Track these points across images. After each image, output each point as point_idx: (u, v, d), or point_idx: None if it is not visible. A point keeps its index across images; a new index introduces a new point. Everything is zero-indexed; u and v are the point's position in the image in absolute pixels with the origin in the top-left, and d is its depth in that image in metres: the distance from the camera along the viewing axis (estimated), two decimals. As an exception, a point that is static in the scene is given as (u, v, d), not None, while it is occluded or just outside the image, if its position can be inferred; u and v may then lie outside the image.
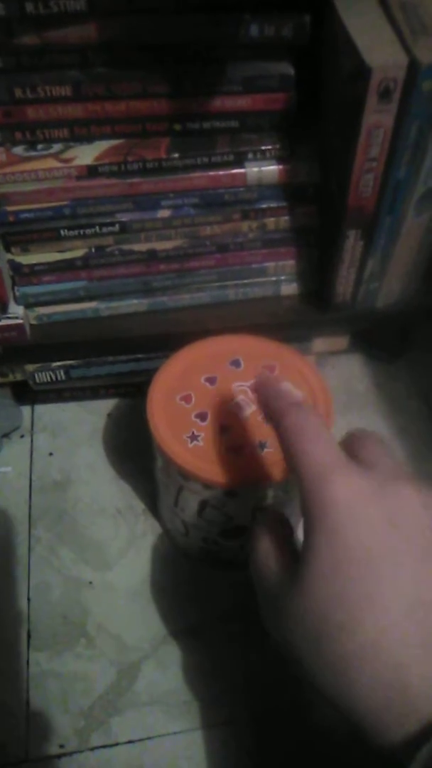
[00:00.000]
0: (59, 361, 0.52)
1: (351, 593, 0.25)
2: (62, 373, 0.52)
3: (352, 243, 0.45)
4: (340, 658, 0.25)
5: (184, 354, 0.44)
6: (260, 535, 0.31)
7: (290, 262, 0.50)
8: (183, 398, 0.41)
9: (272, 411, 0.30)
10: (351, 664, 0.25)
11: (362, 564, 0.25)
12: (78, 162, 0.43)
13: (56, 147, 0.44)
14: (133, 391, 0.56)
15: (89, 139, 0.44)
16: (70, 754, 0.40)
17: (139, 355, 0.52)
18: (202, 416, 0.40)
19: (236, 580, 0.46)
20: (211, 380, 0.42)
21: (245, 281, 0.50)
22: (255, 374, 0.42)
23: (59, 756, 0.40)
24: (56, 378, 0.53)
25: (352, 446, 0.30)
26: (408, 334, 0.57)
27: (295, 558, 0.28)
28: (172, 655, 0.43)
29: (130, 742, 0.40)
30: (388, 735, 0.24)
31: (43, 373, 0.52)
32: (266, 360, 0.43)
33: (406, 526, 0.26)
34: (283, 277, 0.51)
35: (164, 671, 0.43)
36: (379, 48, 0.36)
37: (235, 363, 0.43)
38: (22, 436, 0.55)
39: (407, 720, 0.24)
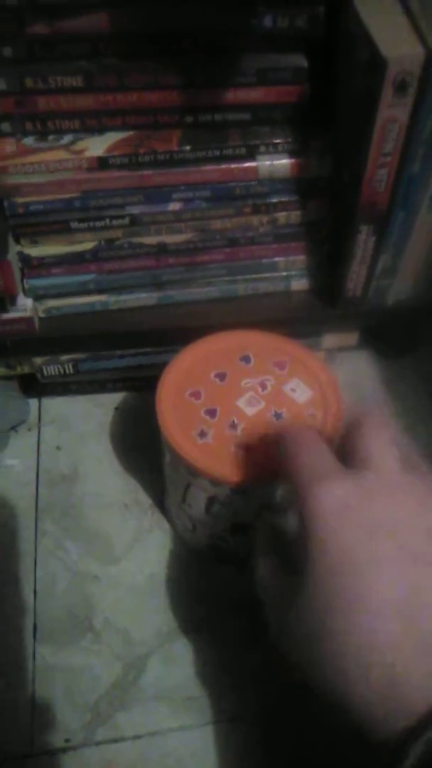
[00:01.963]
0: (67, 354, 0.52)
1: (342, 600, 0.26)
2: (70, 366, 0.52)
3: (364, 239, 0.45)
4: (337, 658, 0.26)
5: (194, 349, 0.43)
6: (260, 556, 0.33)
7: (301, 257, 0.49)
8: (192, 394, 0.41)
9: (279, 434, 0.32)
10: (347, 664, 0.26)
11: (350, 571, 0.26)
12: (89, 154, 0.43)
13: (67, 138, 0.44)
14: (140, 385, 0.56)
15: (100, 130, 0.44)
16: (76, 748, 0.40)
17: (148, 349, 0.52)
18: (211, 412, 0.40)
19: (243, 575, 0.46)
20: (221, 376, 0.42)
21: (255, 276, 0.50)
22: (265, 371, 0.42)
23: (64, 750, 0.40)
24: (64, 371, 0.52)
25: (352, 438, 0.31)
26: (417, 330, 0.56)
27: (294, 570, 0.29)
28: (179, 650, 0.43)
29: (136, 737, 0.40)
30: (384, 730, 0.25)
31: (52, 367, 0.52)
32: (276, 356, 0.43)
33: (395, 531, 0.27)
34: (293, 273, 0.50)
35: (170, 666, 0.42)
36: (395, 40, 0.36)
37: (245, 359, 0.43)
38: (29, 429, 0.54)
39: (400, 715, 0.24)
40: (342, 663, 0.26)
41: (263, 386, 0.41)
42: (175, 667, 0.42)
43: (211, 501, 0.40)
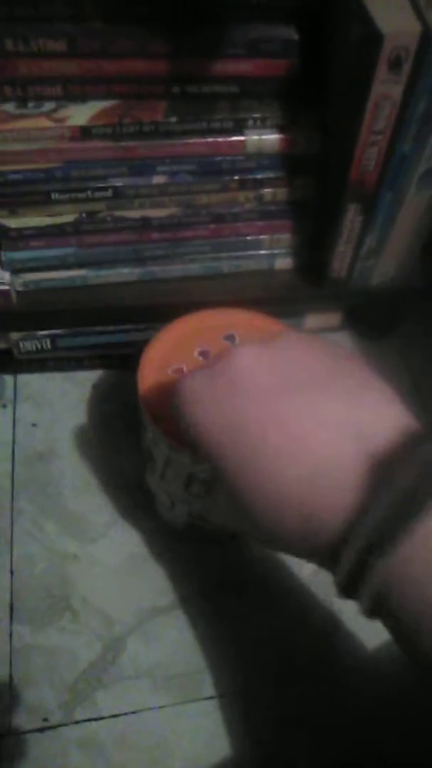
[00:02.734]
0: (45, 329, 0.50)
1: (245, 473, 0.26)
2: (48, 342, 0.51)
3: (351, 218, 0.44)
4: (259, 509, 0.26)
5: (178, 325, 0.43)
6: None
7: (286, 236, 0.49)
8: (175, 371, 0.40)
9: None
10: (267, 506, 0.26)
11: (228, 440, 0.26)
12: (71, 122, 0.41)
13: (48, 105, 0.42)
14: (118, 363, 0.55)
15: (83, 98, 0.42)
16: (54, 727, 0.39)
17: (128, 326, 0.51)
18: None
19: (222, 554, 0.46)
20: (205, 354, 0.41)
21: (239, 253, 0.49)
22: None
23: (43, 729, 0.39)
24: (42, 347, 0.51)
25: None
26: (399, 312, 0.56)
27: None
28: (158, 629, 0.43)
29: (114, 716, 0.40)
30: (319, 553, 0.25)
31: (28, 342, 0.51)
32: (261, 336, 0.42)
33: (232, 379, 0.27)
34: (277, 251, 0.50)
35: (150, 645, 0.42)
36: (391, 15, 0.35)
37: (230, 338, 0.42)
38: (4, 406, 0.53)
39: (322, 538, 0.24)
40: (265, 508, 0.26)
41: None
42: (155, 646, 0.42)
43: (190, 478, 0.40)
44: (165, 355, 0.41)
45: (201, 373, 0.29)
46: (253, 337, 0.42)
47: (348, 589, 0.24)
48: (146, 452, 0.44)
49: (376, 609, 0.24)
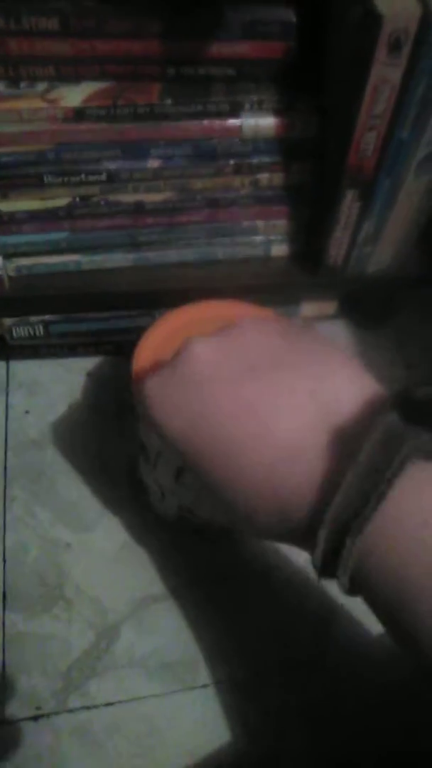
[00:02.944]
0: (38, 315, 0.50)
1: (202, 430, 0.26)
2: (41, 328, 0.50)
3: (348, 204, 0.44)
4: (235, 494, 0.26)
5: (175, 315, 0.42)
6: None
7: (282, 222, 0.48)
8: (170, 360, 0.40)
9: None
10: (239, 497, 0.26)
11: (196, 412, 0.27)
12: (64, 103, 0.41)
13: (41, 86, 0.41)
14: (112, 350, 0.54)
15: (76, 79, 0.42)
16: (47, 716, 0.39)
17: (122, 313, 0.51)
18: None
19: (216, 543, 0.46)
20: None
21: (235, 239, 0.49)
22: None
23: (36, 717, 0.39)
24: (35, 333, 0.50)
25: None
26: (394, 301, 0.56)
27: None
28: (152, 617, 0.43)
29: (108, 704, 0.40)
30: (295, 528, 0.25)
31: (21, 328, 0.50)
32: None
33: (189, 373, 0.27)
34: (274, 237, 0.49)
35: (143, 634, 0.42)
36: (391, -4, 0.35)
37: (226, 327, 0.42)
38: (-4, 393, 0.53)
39: (293, 515, 0.24)
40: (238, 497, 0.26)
41: None
42: (149, 634, 0.42)
43: (180, 470, 0.40)
44: (160, 345, 0.41)
45: (161, 370, 0.29)
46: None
47: (326, 569, 0.24)
48: (139, 442, 0.43)
49: (355, 587, 0.24)
